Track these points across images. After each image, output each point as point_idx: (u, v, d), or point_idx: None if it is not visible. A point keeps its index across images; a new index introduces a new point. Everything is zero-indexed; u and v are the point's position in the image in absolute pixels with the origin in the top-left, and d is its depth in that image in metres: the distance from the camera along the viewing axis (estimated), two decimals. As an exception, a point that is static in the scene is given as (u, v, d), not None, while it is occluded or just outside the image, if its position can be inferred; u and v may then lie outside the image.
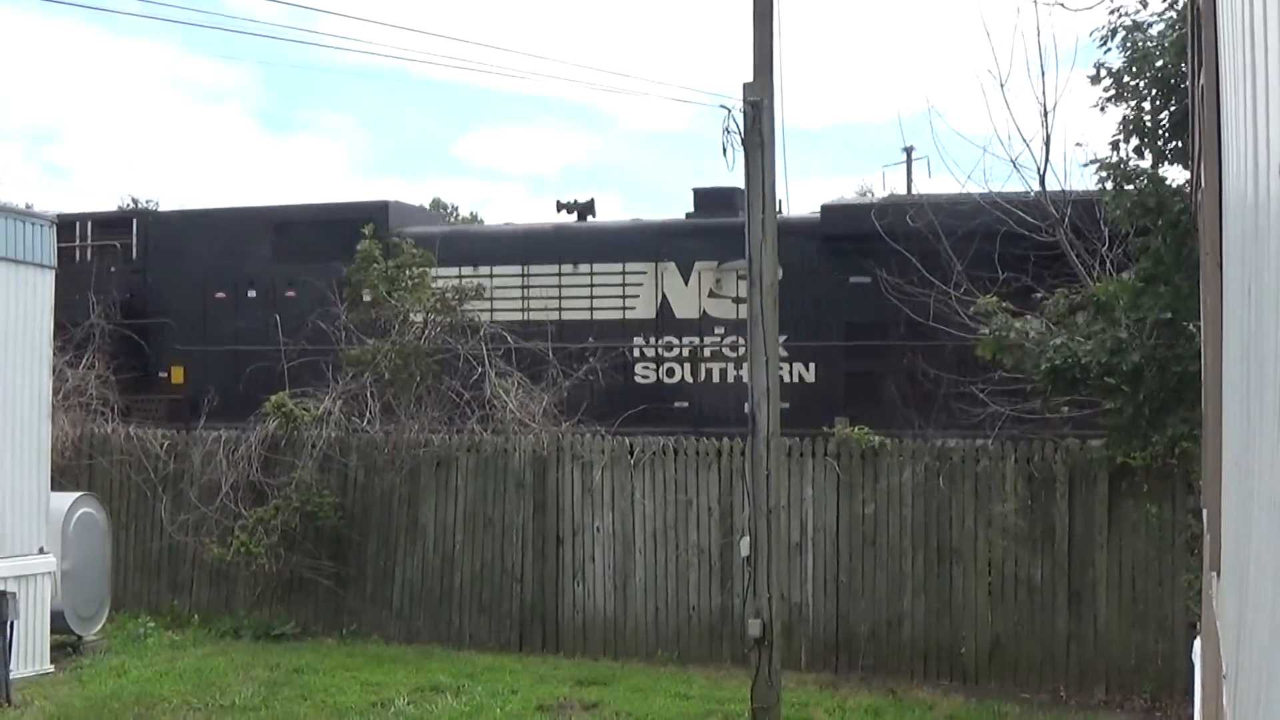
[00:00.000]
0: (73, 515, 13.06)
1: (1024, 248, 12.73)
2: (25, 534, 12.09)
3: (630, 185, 68.69)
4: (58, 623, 12.59)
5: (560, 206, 17.04)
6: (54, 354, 15.09)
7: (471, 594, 13.95)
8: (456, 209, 40.47)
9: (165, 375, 17.41)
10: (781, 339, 14.91)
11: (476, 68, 17.85)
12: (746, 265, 10.19)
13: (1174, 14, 11.46)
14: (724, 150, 9.69)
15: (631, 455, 13.42)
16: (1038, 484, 12.13)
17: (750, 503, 10.00)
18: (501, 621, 13.80)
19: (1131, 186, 11.60)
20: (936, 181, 29.64)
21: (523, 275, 16.03)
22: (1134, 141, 11.89)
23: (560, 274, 15.93)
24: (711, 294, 15.32)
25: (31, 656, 11.98)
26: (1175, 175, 11.80)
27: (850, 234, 14.17)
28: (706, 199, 15.90)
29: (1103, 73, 12.01)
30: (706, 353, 15.30)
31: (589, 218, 16.99)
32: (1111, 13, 12.05)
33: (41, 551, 12.23)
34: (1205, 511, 6.87)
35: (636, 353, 15.57)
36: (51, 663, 12.33)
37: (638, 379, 15.61)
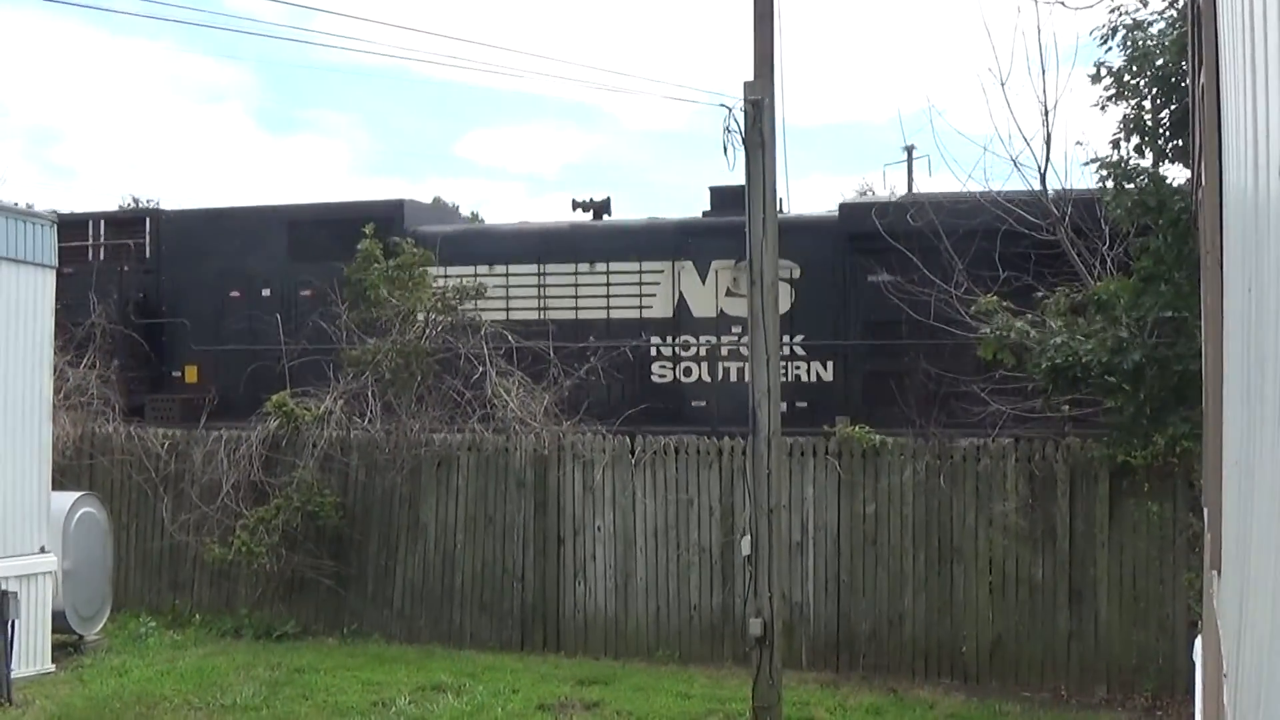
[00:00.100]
0: (74, 515, 13.07)
1: (1024, 246, 12.74)
2: (26, 533, 12.09)
3: (630, 185, 68.74)
4: (59, 622, 12.60)
5: (576, 205, 16.91)
6: (66, 352, 15.16)
7: (472, 593, 13.95)
8: (457, 208, 40.40)
9: (179, 375, 17.40)
10: (799, 338, 14.95)
11: (477, 67, 17.87)
12: (747, 264, 10.14)
13: (1174, 13, 11.47)
14: (725, 149, 9.69)
15: (632, 454, 13.42)
16: (1039, 483, 12.13)
17: (751, 502, 10.00)
18: (503, 621, 13.80)
19: (1132, 185, 11.60)
20: (937, 180, 29.65)
21: (539, 274, 15.98)
22: (1134, 140, 11.91)
23: (577, 273, 15.87)
24: (729, 293, 15.22)
25: (32, 656, 11.99)
26: (1176, 174, 11.82)
27: (870, 232, 13.91)
28: (723, 197, 15.75)
29: (1103, 71, 12.03)
30: (724, 352, 15.24)
31: (604, 216, 16.92)
32: (1112, 11, 12.08)
33: (42, 551, 12.24)
34: (1206, 510, 6.87)
35: (653, 352, 15.52)
36: (52, 662, 12.34)
37: (655, 378, 15.54)
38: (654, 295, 15.60)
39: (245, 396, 15.48)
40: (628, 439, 13.57)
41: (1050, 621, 12.02)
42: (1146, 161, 11.86)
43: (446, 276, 15.48)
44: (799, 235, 14.77)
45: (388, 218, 15.98)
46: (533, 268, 15.99)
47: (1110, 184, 11.74)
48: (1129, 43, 11.82)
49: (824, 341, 14.87)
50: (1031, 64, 14.65)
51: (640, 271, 15.65)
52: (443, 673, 12.31)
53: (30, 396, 12.23)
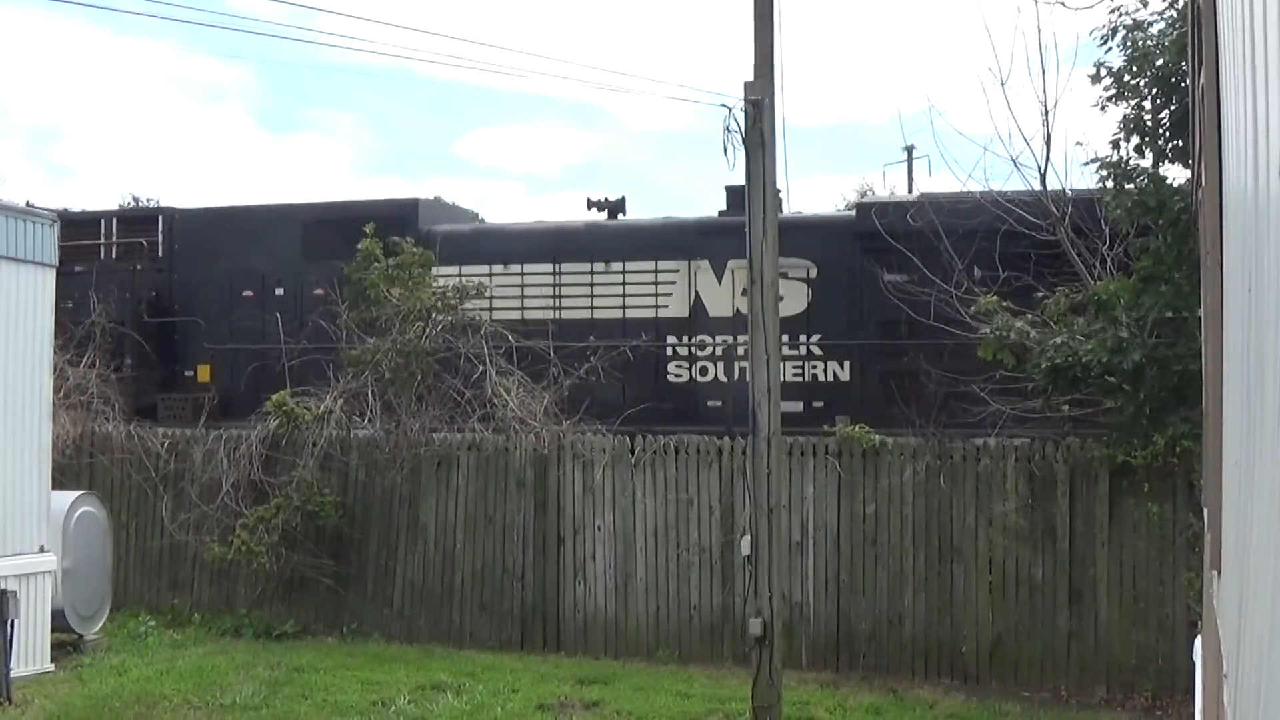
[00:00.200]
0: (73, 514, 13.07)
1: (1024, 246, 12.74)
2: (26, 532, 12.08)
3: (631, 185, 68.75)
4: (58, 621, 12.60)
5: (591, 204, 16.84)
6: (67, 351, 15.14)
7: (472, 593, 13.95)
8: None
9: (192, 374, 17.32)
10: (815, 338, 14.92)
11: (478, 67, 17.96)
12: (747, 264, 10.15)
13: (1174, 13, 11.48)
14: (725, 149, 9.70)
15: (632, 454, 13.41)
16: (1039, 483, 12.13)
17: (751, 501, 10.00)
18: (502, 620, 13.80)
19: (1132, 185, 11.61)
20: (937, 181, 29.66)
21: (554, 273, 15.91)
22: (1134, 140, 11.92)
23: (593, 272, 15.81)
24: (745, 292, 15.18)
25: (32, 655, 11.98)
26: (1176, 174, 11.83)
27: (886, 231, 13.77)
28: (740, 197, 15.68)
29: (1103, 72, 12.03)
30: (740, 352, 15.19)
31: (620, 215, 16.86)
32: (1112, 12, 12.09)
33: (42, 550, 12.23)
34: (1206, 510, 6.87)
35: (669, 351, 15.48)
36: (52, 661, 12.33)
37: (670, 378, 15.47)
38: (670, 295, 15.50)
39: (253, 396, 15.45)
40: (627, 439, 13.56)
41: (1050, 621, 12.02)
42: (1146, 161, 11.87)
43: (461, 276, 15.44)
44: (815, 234, 14.73)
45: (402, 217, 15.96)
46: (548, 267, 15.94)
47: (1110, 184, 11.74)
48: (1129, 43, 11.83)
49: (840, 341, 14.78)
50: (1031, 64, 14.71)
51: (656, 271, 15.58)
52: (442, 672, 12.31)
53: (30, 395, 12.22)
